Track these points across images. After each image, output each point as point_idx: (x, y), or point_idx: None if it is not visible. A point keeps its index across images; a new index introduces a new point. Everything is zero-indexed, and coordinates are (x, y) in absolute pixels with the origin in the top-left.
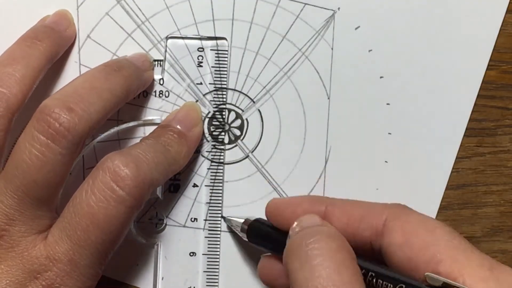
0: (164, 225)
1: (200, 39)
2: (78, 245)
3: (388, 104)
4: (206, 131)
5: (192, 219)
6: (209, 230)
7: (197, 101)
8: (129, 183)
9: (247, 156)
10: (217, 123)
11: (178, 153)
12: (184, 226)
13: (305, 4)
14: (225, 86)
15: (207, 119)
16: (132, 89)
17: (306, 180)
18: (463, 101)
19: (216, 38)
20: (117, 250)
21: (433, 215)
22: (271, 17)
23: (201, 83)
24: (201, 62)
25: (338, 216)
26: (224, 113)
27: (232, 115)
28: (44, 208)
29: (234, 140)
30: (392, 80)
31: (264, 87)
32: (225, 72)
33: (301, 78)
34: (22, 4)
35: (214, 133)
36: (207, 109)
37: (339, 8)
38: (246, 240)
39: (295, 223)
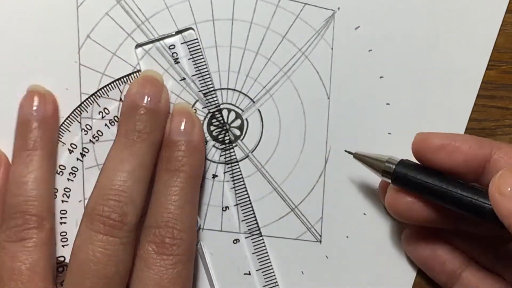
0: (199, 225)
1: (167, 37)
2: None
3: (388, 104)
4: (205, 131)
5: (224, 208)
6: (243, 212)
7: (197, 101)
8: (175, 248)
9: (247, 156)
10: (217, 123)
11: (193, 167)
12: (222, 229)
13: (305, 4)
14: (207, 75)
15: (206, 119)
16: (159, 140)
17: (306, 180)
18: (463, 101)
19: (182, 31)
20: None
21: None
22: (271, 17)
23: (184, 78)
24: (177, 59)
25: (507, 160)
26: (217, 114)
27: (232, 115)
28: None
29: (234, 140)
30: (392, 80)
31: (264, 87)
32: (203, 61)
33: (301, 78)
34: (21, 3)
35: (214, 133)
36: (202, 105)
37: (339, 8)
38: (388, 181)
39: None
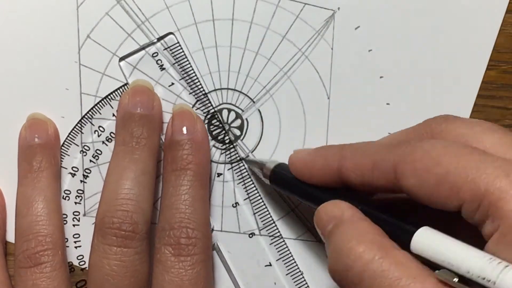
0: (212, 227)
1: (148, 45)
2: None
3: (388, 104)
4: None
5: (234, 205)
6: (254, 206)
7: (198, 101)
8: (191, 248)
9: (247, 156)
10: (217, 123)
11: (200, 164)
12: (240, 231)
13: (305, 4)
14: (194, 76)
15: (206, 120)
16: (157, 145)
17: None
18: (463, 101)
19: (162, 37)
20: None
21: None
22: (271, 17)
23: (173, 84)
24: (162, 65)
25: (352, 171)
26: (216, 114)
27: (232, 115)
28: None
29: (234, 140)
30: (392, 80)
31: (264, 87)
32: (188, 63)
33: (301, 78)
34: (21, 3)
35: (214, 133)
36: (206, 107)
37: (339, 8)
38: (268, 183)
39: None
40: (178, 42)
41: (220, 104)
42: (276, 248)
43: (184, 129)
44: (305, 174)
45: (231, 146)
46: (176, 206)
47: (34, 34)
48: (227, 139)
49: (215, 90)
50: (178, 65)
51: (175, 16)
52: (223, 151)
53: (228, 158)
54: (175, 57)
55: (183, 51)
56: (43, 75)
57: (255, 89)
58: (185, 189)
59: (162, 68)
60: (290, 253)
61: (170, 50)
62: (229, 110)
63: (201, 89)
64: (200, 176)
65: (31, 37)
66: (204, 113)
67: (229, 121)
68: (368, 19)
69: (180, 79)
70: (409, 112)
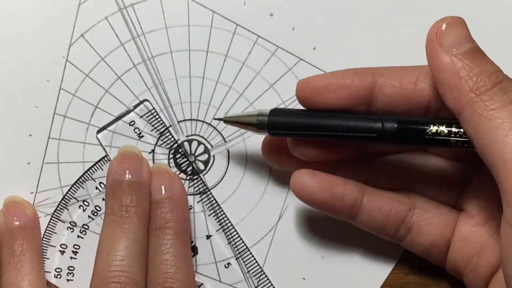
0: (200, 284)
1: (125, 115)
2: None
3: None
4: (171, 159)
5: (207, 237)
6: (227, 236)
7: (170, 126)
8: None
9: (205, 192)
10: (183, 152)
11: (179, 221)
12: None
13: (300, 59)
14: (171, 139)
15: (174, 147)
16: (147, 211)
17: (256, 231)
18: None
19: (138, 105)
20: None
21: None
22: (264, 63)
23: (152, 151)
24: (140, 133)
25: (390, 83)
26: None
27: (201, 148)
28: None
29: (196, 173)
30: None
31: (239, 129)
32: (164, 127)
33: None
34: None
35: (177, 161)
36: (178, 136)
37: None
38: (262, 133)
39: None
40: (153, 109)
41: (191, 135)
42: (253, 276)
43: (163, 188)
44: (327, 96)
45: (194, 178)
46: (159, 267)
47: (29, 20)
48: (189, 171)
49: (190, 119)
50: (156, 131)
51: (171, 37)
52: (190, 182)
53: (196, 189)
54: (152, 124)
55: (159, 117)
56: (28, 61)
57: (230, 129)
58: (166, 249)
59: (140, 136)
60: (268, 279)
61: (147, 117)
62: (199, 143)
63: (182, 153)
64: (180, 233)
65: (26, 22)
66: (180, 154)
67: (196, 153)
68: None
69: (158, 146)
70: None
